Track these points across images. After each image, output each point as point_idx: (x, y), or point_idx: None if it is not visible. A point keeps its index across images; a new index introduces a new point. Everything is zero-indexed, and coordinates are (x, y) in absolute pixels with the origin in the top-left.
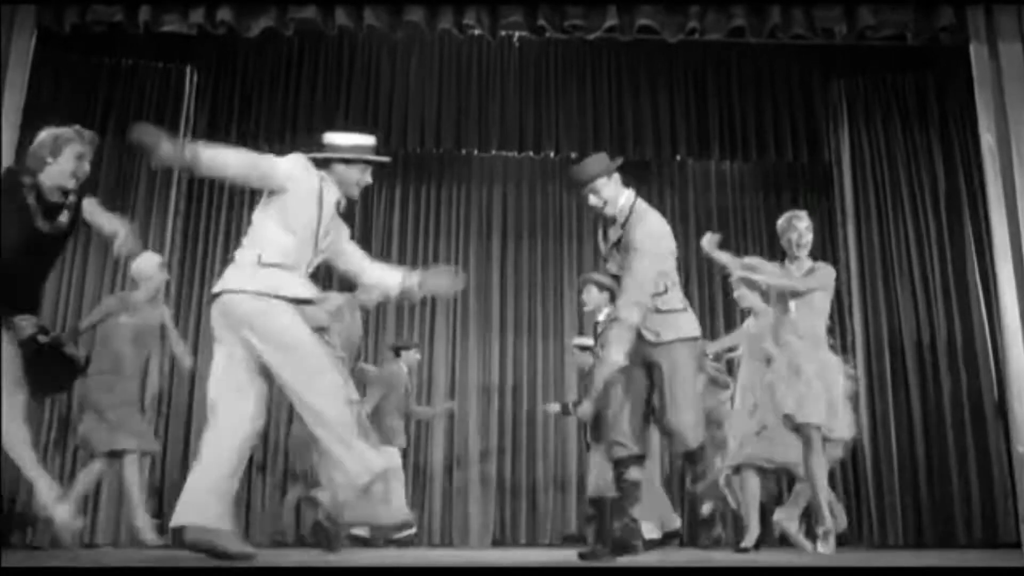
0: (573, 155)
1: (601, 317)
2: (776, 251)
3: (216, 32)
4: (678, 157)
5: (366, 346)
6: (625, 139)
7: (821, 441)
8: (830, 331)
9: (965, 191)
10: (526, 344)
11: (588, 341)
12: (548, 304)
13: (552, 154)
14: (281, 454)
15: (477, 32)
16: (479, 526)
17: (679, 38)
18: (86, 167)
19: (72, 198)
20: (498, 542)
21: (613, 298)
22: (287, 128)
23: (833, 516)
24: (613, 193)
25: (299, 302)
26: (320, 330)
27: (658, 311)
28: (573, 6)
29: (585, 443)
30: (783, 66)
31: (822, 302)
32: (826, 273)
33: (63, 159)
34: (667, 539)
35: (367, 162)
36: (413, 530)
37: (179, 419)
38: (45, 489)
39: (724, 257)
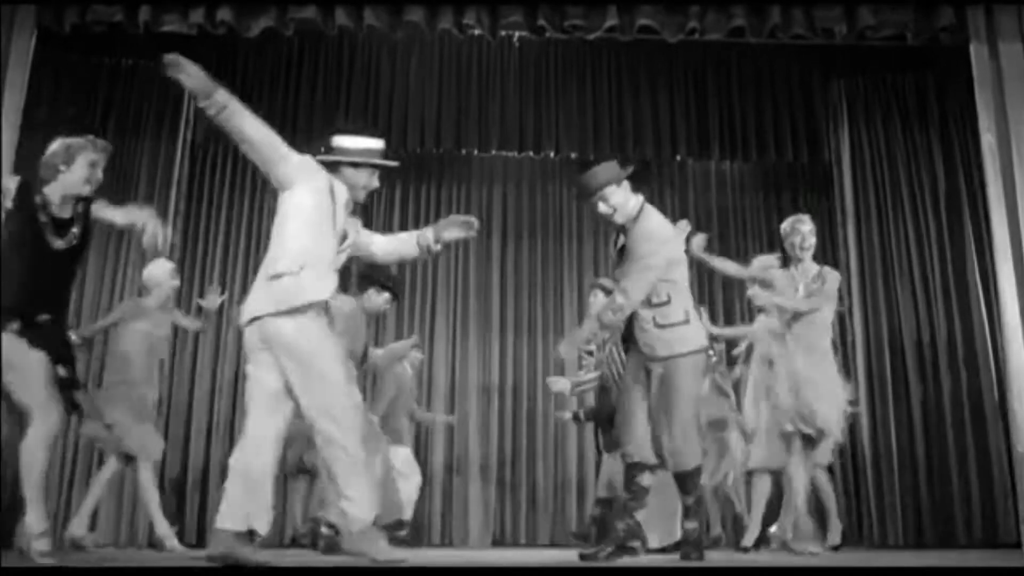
0: (573, 155)
1: None
2: (776, 250)
3: (216, 32)
4: (678, 157)
5: (366, 347)
6: (625, 139)
7: (802, 447)
8: (833, 342)
9: (965, 191)
10: (526, 344)
11: (590, 346)
12: (548, 304)
13: (552, 154)
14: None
15: (477, 32)
16: (479, 526)
17: (679, 38)
18: (99, 175)
19: (80, 207)
20: (498, 542)
21: None
22: (287, 128)
23: (821, 528)
24: (622, 200)
25: (319, 304)
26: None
27: (657, 325)
28: (573, 6)
29: (597, 449)
30: (783, 66)
31: (827, 312)
32: (833, 282)
33: (76, 167)
34: (667, 549)
35: (375, 166)
36: (404, 531)
37: (179, 419)
38: (34, 521)
39: (731, 268)
